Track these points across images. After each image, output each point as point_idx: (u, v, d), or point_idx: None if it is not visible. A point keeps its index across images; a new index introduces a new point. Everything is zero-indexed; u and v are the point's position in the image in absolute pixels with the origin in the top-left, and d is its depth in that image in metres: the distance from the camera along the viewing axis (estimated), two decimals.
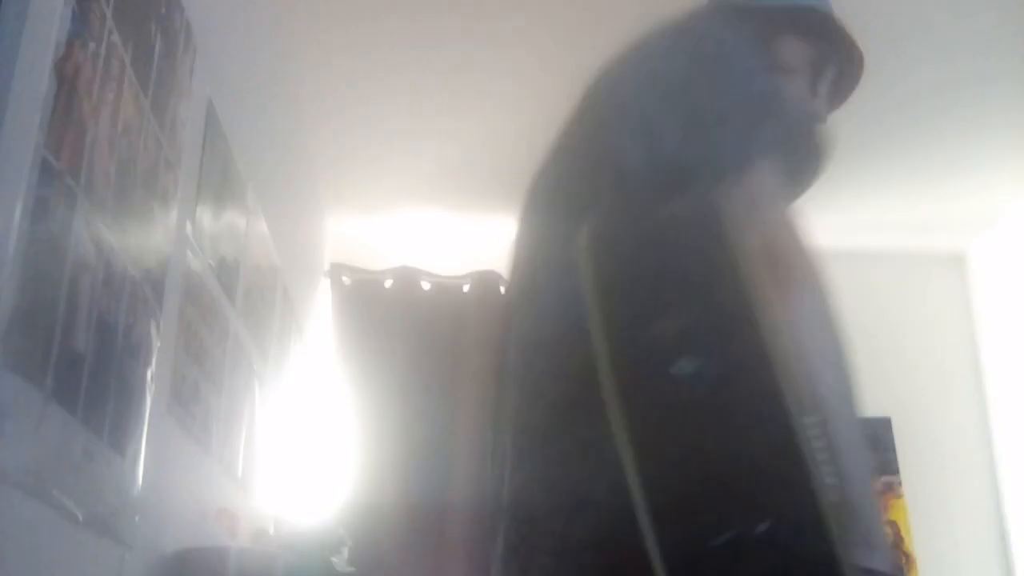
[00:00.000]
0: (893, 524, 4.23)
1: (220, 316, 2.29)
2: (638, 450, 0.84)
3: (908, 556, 4.16)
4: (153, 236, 1.73)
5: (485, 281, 4.21)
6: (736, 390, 0.84)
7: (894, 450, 4.38)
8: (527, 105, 3.52)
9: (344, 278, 4.28)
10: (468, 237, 4.38)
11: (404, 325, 4.17)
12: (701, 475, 0.83)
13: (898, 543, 4.21)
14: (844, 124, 3.96)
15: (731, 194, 1.01)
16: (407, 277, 4.26)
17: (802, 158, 1.11)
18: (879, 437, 4.40)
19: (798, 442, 0.81)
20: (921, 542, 4.14)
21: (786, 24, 1.30)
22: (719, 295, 0.85)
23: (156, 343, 1.74)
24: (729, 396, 0.84)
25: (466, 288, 4.27)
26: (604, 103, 1.29)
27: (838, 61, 1.36)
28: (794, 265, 1.04)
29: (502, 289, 4.17)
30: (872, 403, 4.70)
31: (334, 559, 2.36)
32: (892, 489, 4.32)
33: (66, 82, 1.30)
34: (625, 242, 0.99)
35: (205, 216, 2.13)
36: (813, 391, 0.95)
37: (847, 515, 0.92)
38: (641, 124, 1.19)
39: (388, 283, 4.28)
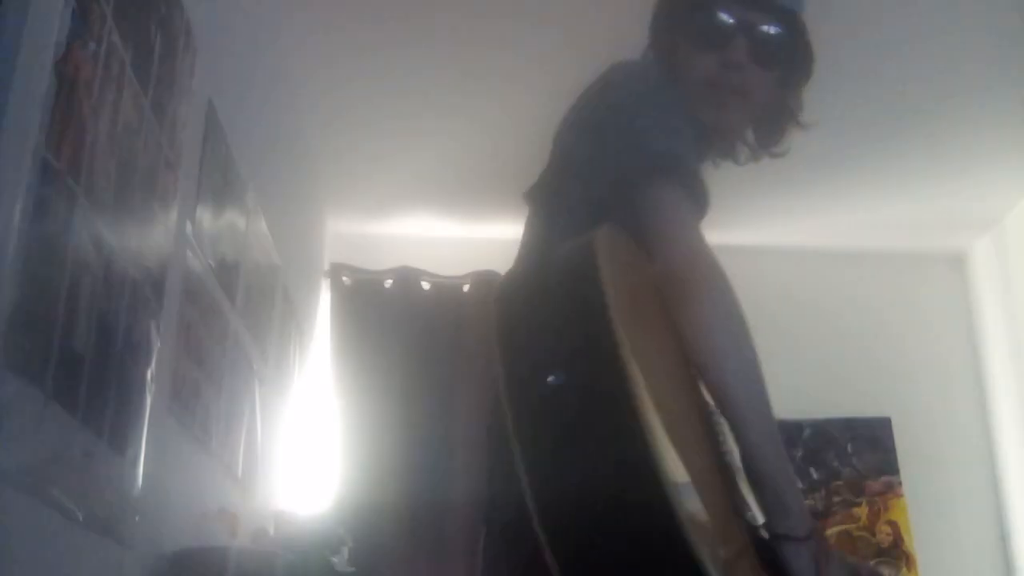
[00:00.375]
0: (893, 524, 4.23)
1: (220, 316, 2.29)
2: (524, 455, 0.97)
3: (908, 556, 4.16)
4: (153, 236, 1.73)
5: (485, 281, 4.21)
6: (591, 401, 0.97)
7: (894, 450, 4.38)
8: (527, 107, 3.51)
9: (344, 278, 4.28)
10: (468, 238, 4.39)
11: (404, 325, 4.16)
12: (571, 479, 0.97)
13: (898, 543, 4.21)
14: (845, 124, 3.98)
15: (619, 232, 1.13)
16: (407, 277, 4.26)
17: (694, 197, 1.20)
18: (879, 437, 4.40)
19: (646, 451, 0.92)
20: (921, 542, 4.14)
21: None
22: (585, 326, 0.97)
23: (156, 343, 1.74)
24: (586, 407, 0.97)
25: (466, 288, 4.27)
26: (553, 143, 1.42)
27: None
28: (696, 282, 1.12)
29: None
30: (872, 403, 4.72)
31: (334, 559, 2.36)
32: (892, 489, 4.32)
33: (66, 82, 1.30)
34: (520, 282, 1.17)
35: (205, 216, 2.13)
36: (718, 388, 1.09)
37: (758, 485, 1.07)
38: (560, 168, 1.37)
39: (388, 283, 4.28)
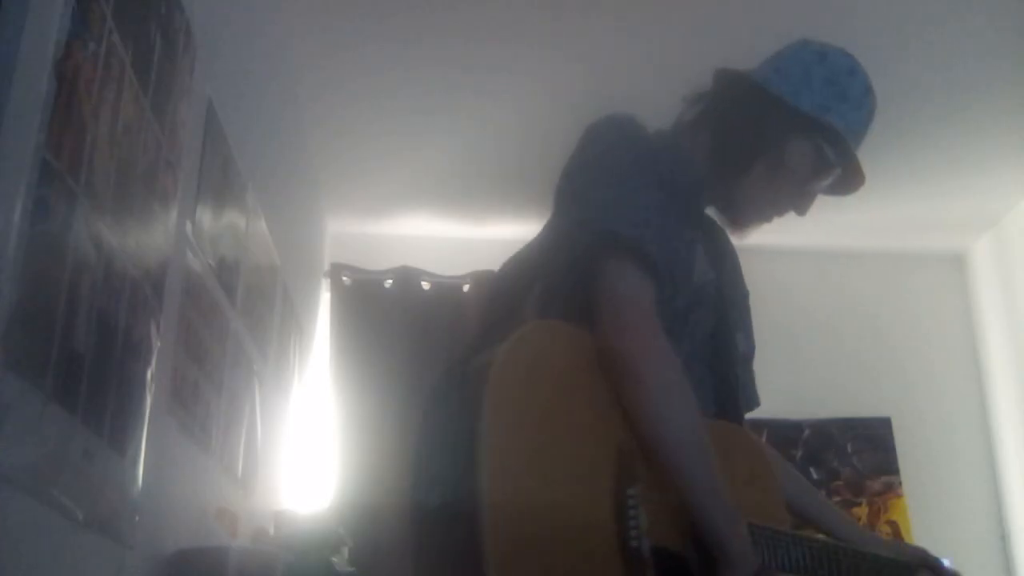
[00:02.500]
0: (893, 524, 4.23)
1: (220, 316, 2.29)
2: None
3: None
4: (153, 236, 1.73)
5: (485, 281, 4.21)
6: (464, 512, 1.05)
7: (894, 450, 4.38)
8: (526, 109, 3.52)
9: (344, 278, 4.28)
10: (468, 238, 4.39)
11: (404, 325, 4.17)
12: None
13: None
14: None
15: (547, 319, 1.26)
16: (407, 277, 4.26)
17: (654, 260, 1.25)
18: (879, 437, 4.40)
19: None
20: (921, 542, 4.13)
21: (806, 128, 1.45)
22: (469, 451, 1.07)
23: (156, 343, 1.74)
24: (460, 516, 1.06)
25: (466, 288, 4.27)
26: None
27: (839, 175, 1.51)
28: (627, 359, 1.19)
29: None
30: (872, 403, 4.72)
31: (334, 559, 2.36)
32: (892, 489, 4.32)
33: (66, 82, 1.30)
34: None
35: (205, 216, 2.13)
36: (657, 455, 1.18)
37: (703, 538, 1.17)
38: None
39: (388, 283, 4.28)
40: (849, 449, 4.39)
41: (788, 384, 4.37)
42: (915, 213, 4.38)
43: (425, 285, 4.28)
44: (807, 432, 4.41)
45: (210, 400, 2.19)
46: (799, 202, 1.52)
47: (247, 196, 2.57)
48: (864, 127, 1.47)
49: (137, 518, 1.64)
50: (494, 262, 4.89)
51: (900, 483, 4.32)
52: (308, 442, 3.80)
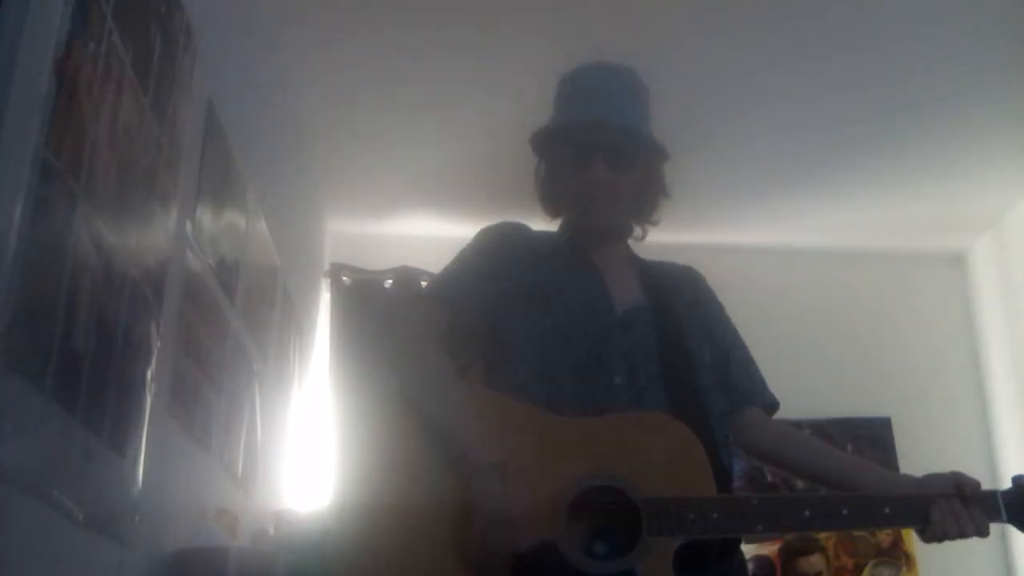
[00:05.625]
0: None
1: (220, 316, 2.29)
2: None
3: (908, 556, 4.16)
4: (153, 236, 1.73)
5: None
6: None
7: (894, 450, 4.38)
8: (526, 109, 3.51)
9: (344, 278, 4.27)
10: (467, 238, 4.38)
11: None
12: None
13: (898, 543, 4.21)
14: (844, 125, 3.98)
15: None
16: (407, 277, 4.26)
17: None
18: (879, 437, 4.40)
19: None
20: (921, 542, 4.13)
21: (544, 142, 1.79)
22: None
23: (156, 343, 1.74)
24: None
25: None
26: None
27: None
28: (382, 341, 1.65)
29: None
30: (872, 403, 4.71)
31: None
32: None
33: (66, 82, 1.30)
34: None
35: (205, 216, 2.13)
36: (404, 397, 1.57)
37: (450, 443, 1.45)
38: None
39: (388, 283, 4.28)
40: (849, 449, 4.39)
41: (788, 384, 4.35)
42: (915, 213, 4.38)
43: (425, 285, 4.28)
44: (807, 432, 4.40)
45: (210, 400, 2.19)
46: (591, 185, 1.65)
47: (247, 196, 2.57)
48: (579, 95, 1.73)
49: (137, 518, 1.64)
50: None
51: None
52: (308, 442, 3.80)
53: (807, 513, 1.39)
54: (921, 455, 4.33)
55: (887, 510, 1.43)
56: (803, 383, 4.37)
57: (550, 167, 1.75)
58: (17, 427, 1.17)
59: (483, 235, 1.78)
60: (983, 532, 1.50)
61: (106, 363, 1.48)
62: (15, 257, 1.15)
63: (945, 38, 3.17)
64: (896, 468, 4.34)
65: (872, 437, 4.40)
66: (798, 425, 4.38)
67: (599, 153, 1.63)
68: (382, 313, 1.72)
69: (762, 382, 1.75)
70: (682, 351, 1.60)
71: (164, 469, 1.82)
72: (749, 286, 3.97)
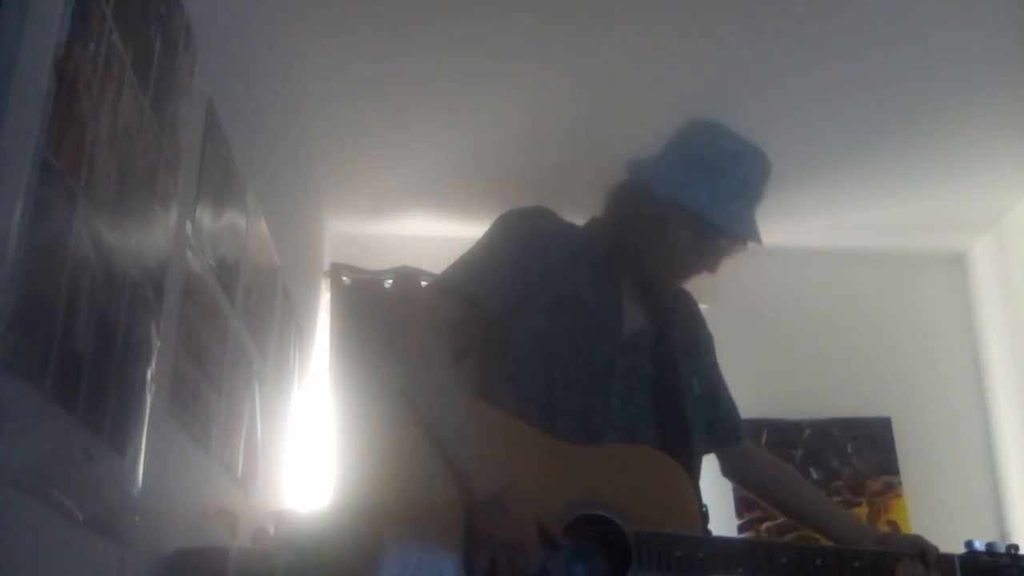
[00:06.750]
0: (893, 524, 4.23)
1: (220, 316, 2.29)
2: None
3: None
4: (153, 236, 1.73)
5: None
6: None
7: (894, 450, 4.38)
8: (526, 110, 3.52)
9: (344, 278, 4.27)
10: (467, 238, 4.38)
11: None
12: None
13: None
14: (845, 125, 3.97)
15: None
16: (407, 277, 4.26)
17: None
18: (879, 437, 4.40)
19: None
20: None
21: (671, 210, 1.62)
22: None
23: (156, 343, 1.74)
24: None
25: None
26: None
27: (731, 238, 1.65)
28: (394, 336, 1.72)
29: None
30: (872, 403, 4.71)
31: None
32: (892, 489, 4.32)
33: (66, 82, 1.30)
34: None
35: (205, 216, 2.13)
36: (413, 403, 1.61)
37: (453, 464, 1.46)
38: None
39: (388, 283, 4.27)
40: (849, 449, 4.39)
41: (788, 384, 4.38)
42: (915, 213, 4.38)
43: (425, 285, 4.28)
44: (807, 432, 4.41)
45: (210, 400, 2.19)
46: (702, 265, 1.65)
47: (247, 196, 2.57)
48: (736, 188, 1.60)
49: (137, 518, 1.64)
50: None
51: (900, 483, 4.32)
52: (308, 442, 3.80)
53: (784, 560, 1.45)
54: (921, 455, 4.34)
55: (856, 564, 1.49)
56: (803, 383, 4.38)
57: (666, 217, 1.62)
58: (17, 427, 1.17)
59: (509, 221, 1.72)
60: None
61: (106, 363, 1.48)
62: (15, 257, 1.15)
63: (945, 39, 3.17)
64: (896, 468, 4.35)
65: (872, 437, 4.40)
66: (798, 426, 4.39)
67: (720, 259, 1.65)
68: (390, 304, 1.81)
69: (741, 423, 1.78)
70: (675, 381, 1.63)
71: (164, 469, 1.82)
72: (749, 286, 3.97)
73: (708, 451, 1.69)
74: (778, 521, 3.96)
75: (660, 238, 1.62)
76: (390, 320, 1.69)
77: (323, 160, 3.89)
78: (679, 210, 1.59)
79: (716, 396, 1.74)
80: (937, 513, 4.13)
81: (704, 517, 1.50)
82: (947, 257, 4.72)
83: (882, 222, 4.43)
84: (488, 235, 1.73)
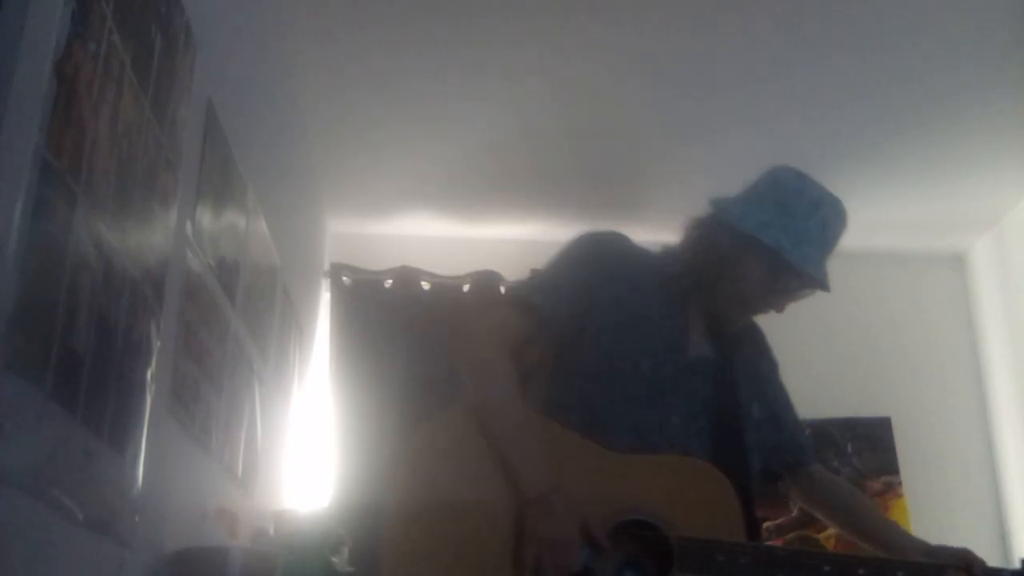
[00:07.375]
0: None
1: (220, 316, 2.29)
2: None
3: None
4: (153, 236, 1.73)
5: (485, 281, 4.21)
6: None
7: (894, 450, 4.38)
8: (526, 110, 3.52)
9: (344, 278, 4.27)
10: (467, 238, 4.39)
11: (404, 325, 4.16)
12: None
13: None
14: (845, 125, 3.97)
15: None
16: (407, 277, 4.26)
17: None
18: (879, 437, 4.40)
19: None
20: None
21: (752, 246, 1.72)
22: None
23: (156, 343, 1.74)
24: None
25: (466, 288, 4.27)
26: None
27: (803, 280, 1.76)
28: (462, 345, 1.69)
29: (502, 289, 4.17)
30: (872, 403, 4.72)
31: (334, 559, 2.36)
32: (892, 489, 4.32)
33: (66, 82, 1.30)
34: None
35: (205, 216, 2.13)
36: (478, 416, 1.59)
37: (507, 465, 1.49)
38: None
39: (388, 283, 4.27)
40: (849, 449, 4.39)
41: (788, 384, 4.36)
42: (915, 213, 4.38)
43: (425, 285, 4.28)
44: (807, 432, 4.40)
45: (210, 400, 2.19)
46: (771, 303, 1.78)
47: (247, 196, 2.57)
48: (814, 234, 1.73)
49: (137, 518, 1.64)
50: (494, 262, 4.91)
51: (900, 483, 4.32)
52: (308, 442, 3.80)
53: (826, 568, 1.47)
54: (921, 455, 4.34)
55: (900, 574, 1.51)
56: (803, 383, 4.35)
57: (743, 251, 1.73)
58: (17, 427, 1.17)
59: (581, 242, 1.77)
60: None
61: (106, 363, 1.48)
62: (15, 257, 1.15)
63: (945, 39, 3.17)
64: (896, 468, 4.35)
65: (872, 437, 4.40)
66: None
67: (788, 300, 1.78)
68: (465, 315, 1.81)
69: (810, 446, 1.89)
70: (734, 406, 1.70)
71: (164, 469, 1.82)
72: None
73: (772, 475, 1.76)
74: (778, 521, 3.96)
75: (734, 271, 1.72)
76: (458, 335, 1.72)
77: (323, 160, 3.89)
78: (757, 246, 1.68)
79: (780, 422, 1.82)
80: (937, 513, 4.13)
81: (754, 528, 1.54)
82: (947, 257, 4.72)
83: (882, 222, 4.43)
84: (560, 255, 1.77)
